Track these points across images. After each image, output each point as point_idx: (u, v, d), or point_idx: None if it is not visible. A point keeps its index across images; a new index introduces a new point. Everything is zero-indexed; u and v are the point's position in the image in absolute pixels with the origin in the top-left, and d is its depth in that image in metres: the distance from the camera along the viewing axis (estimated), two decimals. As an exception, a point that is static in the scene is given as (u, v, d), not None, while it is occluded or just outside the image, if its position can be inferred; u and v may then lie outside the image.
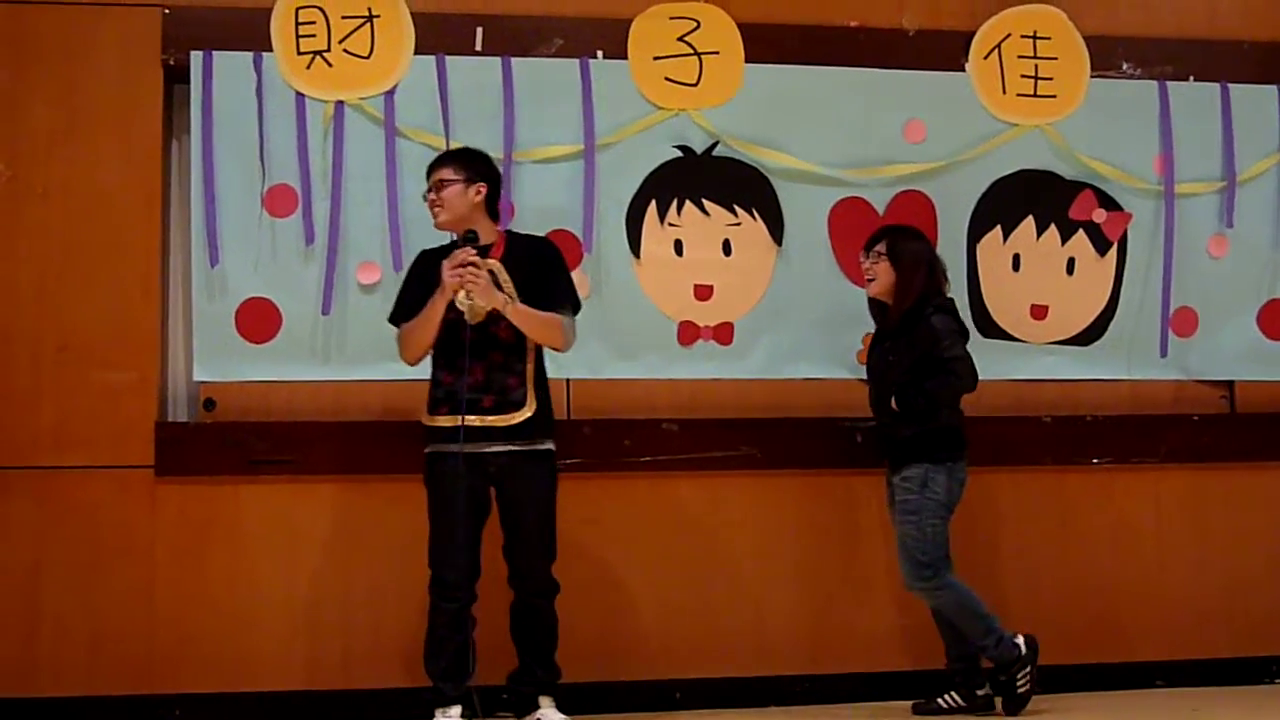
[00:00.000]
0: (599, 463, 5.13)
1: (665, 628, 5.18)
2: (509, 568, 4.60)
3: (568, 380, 5.23)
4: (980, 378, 5.19)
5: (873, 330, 5.10)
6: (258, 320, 5.08)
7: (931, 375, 4.80)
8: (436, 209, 4.60)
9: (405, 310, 4.58)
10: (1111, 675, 5.40)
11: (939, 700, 4.90)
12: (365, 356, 5.12)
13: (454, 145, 4.96)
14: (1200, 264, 5.61)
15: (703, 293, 5.31)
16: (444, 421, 4.47)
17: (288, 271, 5.10)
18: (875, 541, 5.30)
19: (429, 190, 4.62)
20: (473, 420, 4.41)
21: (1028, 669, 4.83)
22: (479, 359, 4.47)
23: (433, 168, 4.65)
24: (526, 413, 4.48)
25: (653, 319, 5.28)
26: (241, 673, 4.99)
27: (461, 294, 4.38)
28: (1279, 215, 5.67)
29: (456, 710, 4.53)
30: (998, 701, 4.88)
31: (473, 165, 4.62)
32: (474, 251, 4.42)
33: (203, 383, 5.12)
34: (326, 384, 5.14)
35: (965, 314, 5.39)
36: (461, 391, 4.42)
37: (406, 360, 4.61)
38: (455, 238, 4.61)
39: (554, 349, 4.61)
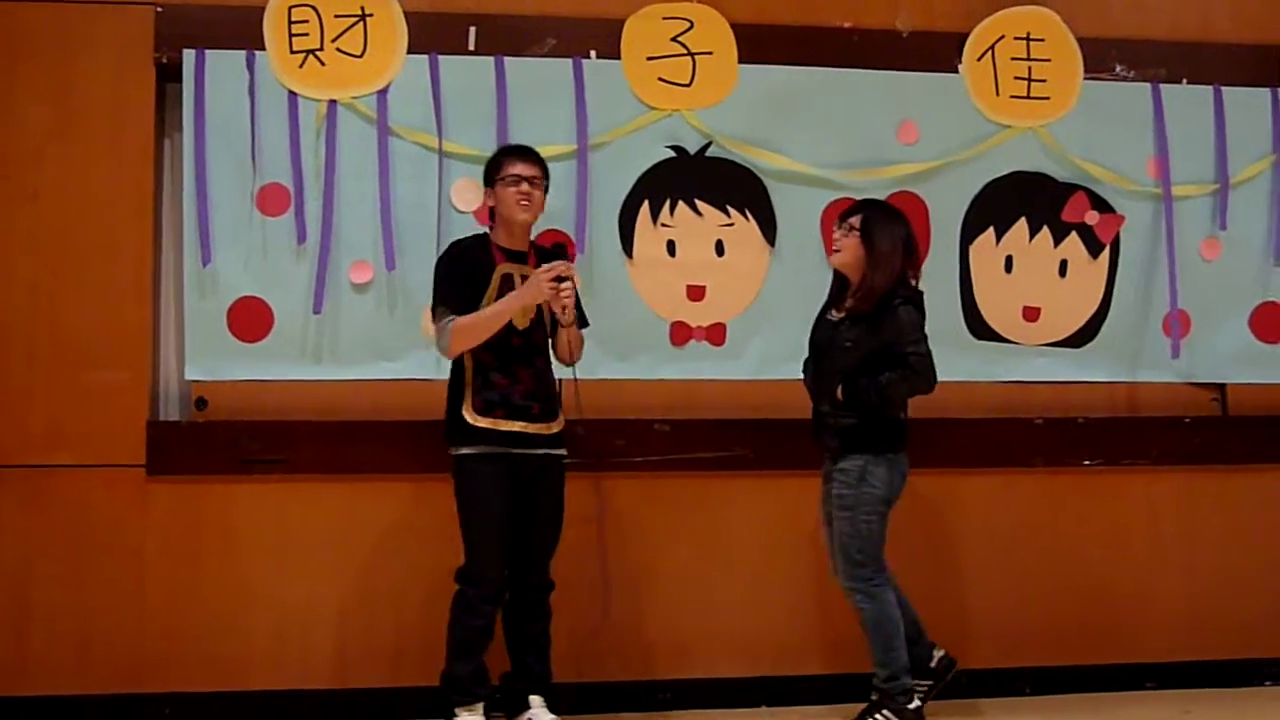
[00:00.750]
0: (592, 463, 5.12)
1: (657, 628, 5.18)
2: (516, 565, 4.63)
3: (559, 380, 5.22)
4: (972, 379, 5.22)
5: None
6: (250, 319, 5.07)
7: (886, 368, 4.64)
8: (524, 204, 4.61)
9: (464, 304, 4.52)
10: (1103, 677, 5.40)
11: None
12: (357, 356, 5.13)
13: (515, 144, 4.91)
14: (1193, 266, 5.61)
15: (695, 293, 5.31)
16: (505, 425, 4.53)
17: (280, 270, 5.09)
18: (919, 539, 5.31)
19: (520, 182, 4.61)
20: (526, 426, 4.56)
21: (913, 697, 4.69)
22: (528, 365, 4.61)
23: (524, 159, 4.66)
24: (562, 421, 4.67)
25: (645, 319, 5.28)
26: (232, 672, 4.99)
27: (558, 307, 4.49)
28: (1272, 218, 5.68)
29: (481, 708, 4.56)
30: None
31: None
32: (571, 266, 4.49)
33: (194, 382, 5.11)
34: (318, 383, 5.13)
35: (958, 315, 5.42)
36: (514, 397, 4.56)
37: (449, 352, 4.57)
38: (480, 232, 4.75)
39: (572, 363, 4.68)
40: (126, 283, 5.05)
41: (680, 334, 5.30)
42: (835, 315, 4.82)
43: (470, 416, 4.54)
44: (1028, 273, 5.54)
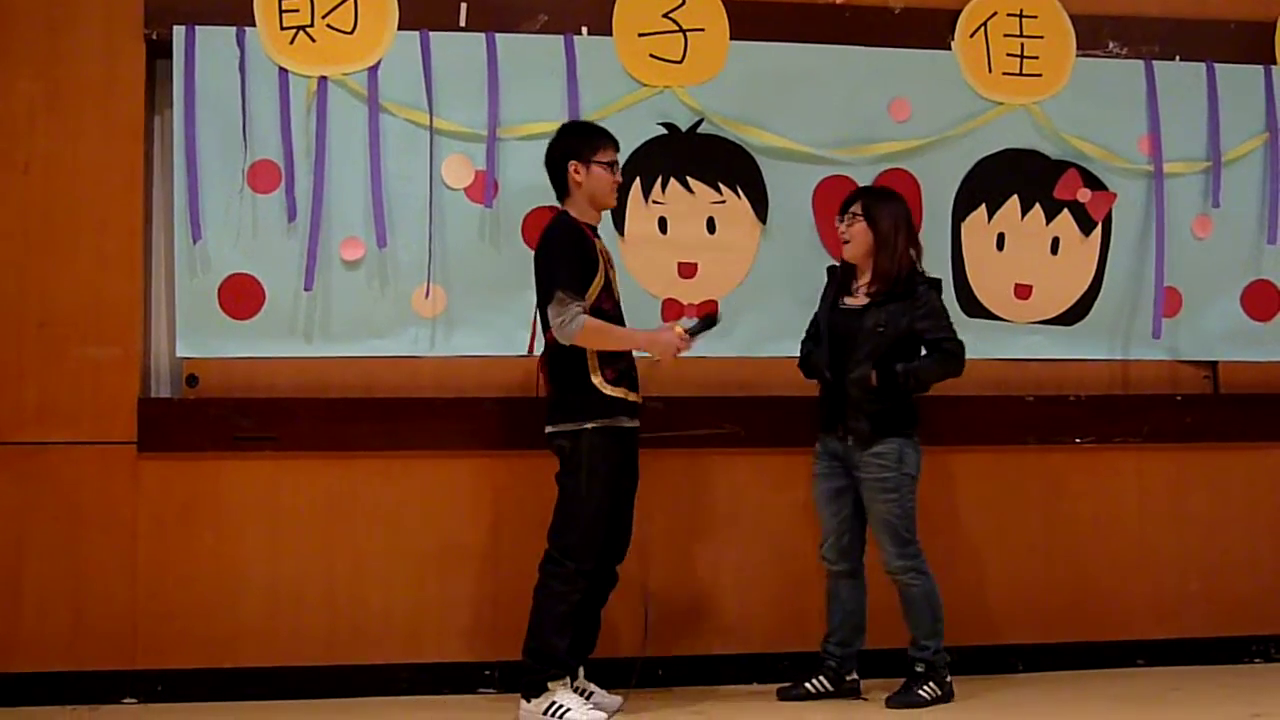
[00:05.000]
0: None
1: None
2: (613, 539, 4.66)
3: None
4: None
5: None
6: (240, 296, 5.06)
7: (913, 353, 4.76)
8: (615, 191, 4.73)
9: (583, 289, 4.53)
10: (1093, 653, 5.42)
11: (806, 685, 4.87)
12: (349, 333, 5.13)
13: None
14: (1185, 244, 5.61)
15: (687, 271, 5.31)
16: (632, 396, 4.62)
17: (270, 247, 5.08)
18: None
19: (615, 169, 4.70)
20: (638, 399, 4.66)
21: (942, 684, 4.79)
22: None
23: (616, 146, 4.74)
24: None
25: (637, 297, 5.25)
26: (224, 648, 5.00)
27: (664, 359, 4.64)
28: (1263, 196, 5.67)
29: (568, 681, 4.55)
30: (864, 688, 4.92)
31: None
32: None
33: (185, 359, 5.11)
34: (309, 360, 5.13)
35: (950, 293, 5.41)
36: (632, 370, 4.66)
37: (570, 342, 4.51)
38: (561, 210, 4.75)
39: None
40: (117, 259, 5.04)
41: (672, 311, 5.30)
42: (853, 303, 4.85)
43: (603, 386, 4.54)
44: (1020, 250, 5.53)
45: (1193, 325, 5.60)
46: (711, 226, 5.35)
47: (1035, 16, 5.55)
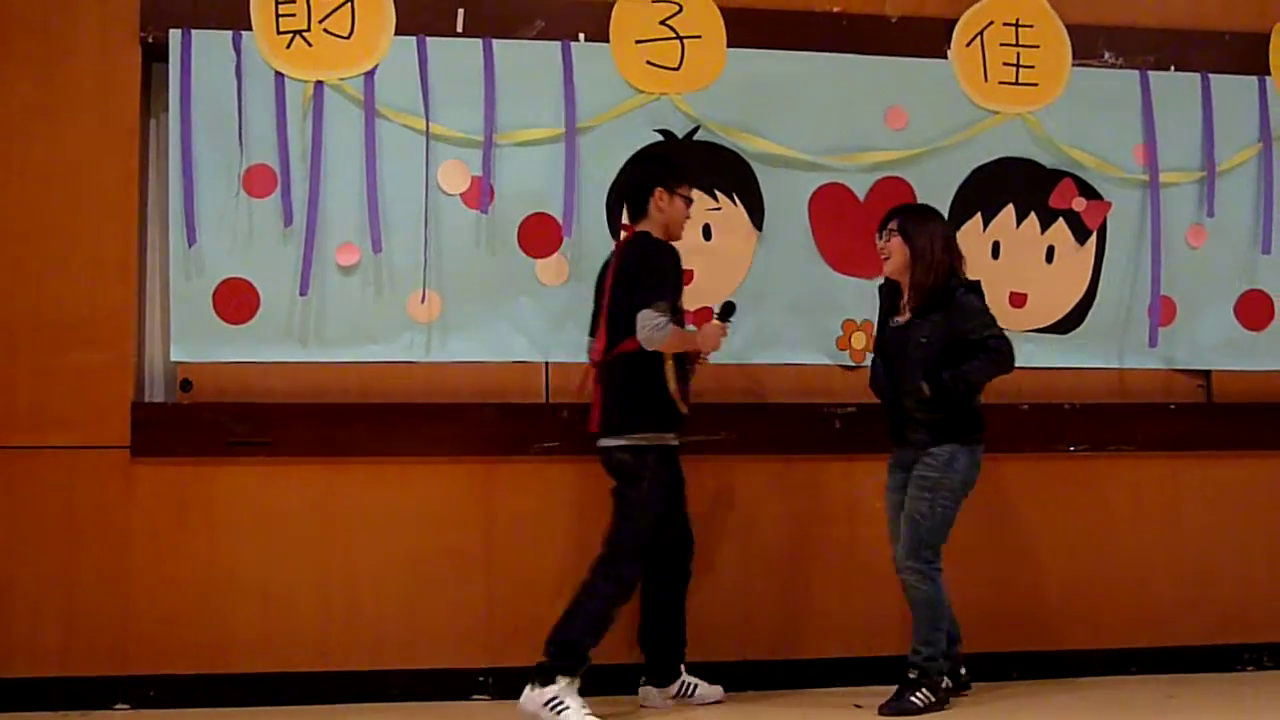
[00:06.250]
0: (576, 446, 5.11)
1: (630, 612, 5.11)
2: (681, 540, 4.88)
3: (546, 364, 5.23)
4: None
5: (859, 317, 5.19)
6: (235, 301, 5.06)
7: (962, 357, 4.75)
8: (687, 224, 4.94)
9: (675, 306, 4.72)
10: (1088, 661, 5.42)
11: (911, 699, 4.78)
12: (344, 338, 5.12)
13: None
14: (1179, 253, 5.63)
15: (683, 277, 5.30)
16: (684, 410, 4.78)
17: (266, 252, 5.08)
18: (851, 527, 5.33)
19: (690, 205, 4.91)
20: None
21: (936, 691, 4.78)
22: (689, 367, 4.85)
23: (691, 182, 4.93)
24: None
25: (632, 304, 5.27)
26: (217, 654, 4.98)
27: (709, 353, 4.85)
28: (1257, 206, 5.70)
29: (577, 681, 4.60)
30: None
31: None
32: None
33: (179, 363, 5.09)
34: (304, 365, 5.12)
35: (945, 301, 5.43)
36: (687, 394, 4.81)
37: (655, 347, 4.64)
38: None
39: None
40: (111, 263, 5.03)
41: (667, 319, 5.30)
42: (899, 320, 4.90)
43: (681, 405, 4.72)
44: (1015, 259, 5.55)
45: (1187, 334, 5.62)
46: (708, 233, 5.35)
47: (1031, 26, 5.57)
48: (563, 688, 4.51)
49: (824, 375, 5.38)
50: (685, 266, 5.24)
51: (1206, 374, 5.69)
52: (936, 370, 4.75)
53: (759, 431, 5.27)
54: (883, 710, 4.73)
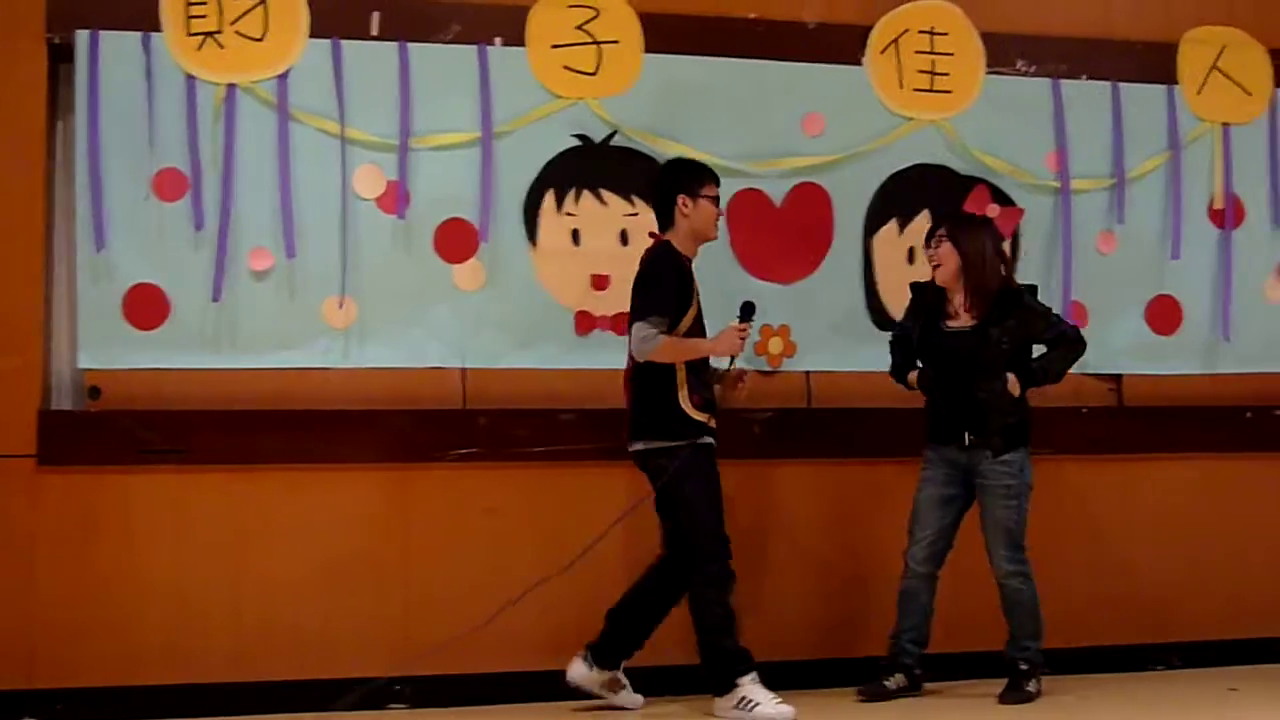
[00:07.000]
0: (494, 453, 5.11)
1: (547, 618, 5.06)
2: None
3: (463, 370, 5.20)
4: (874, 369, 5.30)
5: (776, 322, 5.31)
6: (145, 306, 4.98)
7: (1025, 359, 4.98)
8: (719, 225, 4.92)
9: (673, 314, 4.71)
10: (994, 663, 5.45)
11: (886, 683, 4.99)
12: (257, 344, 5.06)
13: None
14: (1090, 259, 5.72)
15: (600, 282, 5.30)
16: (713, 423, 4.79)
17: (177, 257, 5.00)
18: (786, 531, 5.39)
19: (719, 204, 4.88)
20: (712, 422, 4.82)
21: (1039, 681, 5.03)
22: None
23: (714, 180, 4.87)
24: None
25: (549, 309, 5.26)
26: (127, 666, 4.89)
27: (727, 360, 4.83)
28: (1165, 212, 5.80)
29: (755, 675, 4.68)
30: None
31: None
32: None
33: (88, 370, 5.00)
34: (217, 372, 5.05)
35: (860, 306, 5.52)
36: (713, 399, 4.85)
37: (645, 359, 4.69)
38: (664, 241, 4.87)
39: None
40: (17, 267, 4.93)
41: (584, 323, 5.29)
42: (958, 324, 5.01)
43: (691, 411, 4.71)
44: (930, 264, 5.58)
45: (1098, 339, 5.65)
46: (625, 238, 5.34)
47: (946, 34, 5.63)
48: (745, 687, 4.63)
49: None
50: (601, 272, 5.28)
51: (1118, 378, 5.77)
52: (1015, 368, 4.95)
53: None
54: (1003, 699, 4.95)
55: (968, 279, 4.97)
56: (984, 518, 5.01)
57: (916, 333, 5.10)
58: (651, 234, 4.97)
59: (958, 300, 5.02)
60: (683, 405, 4.71)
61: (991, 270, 4.97)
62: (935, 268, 5.03)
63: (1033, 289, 5.17)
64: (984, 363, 4.93)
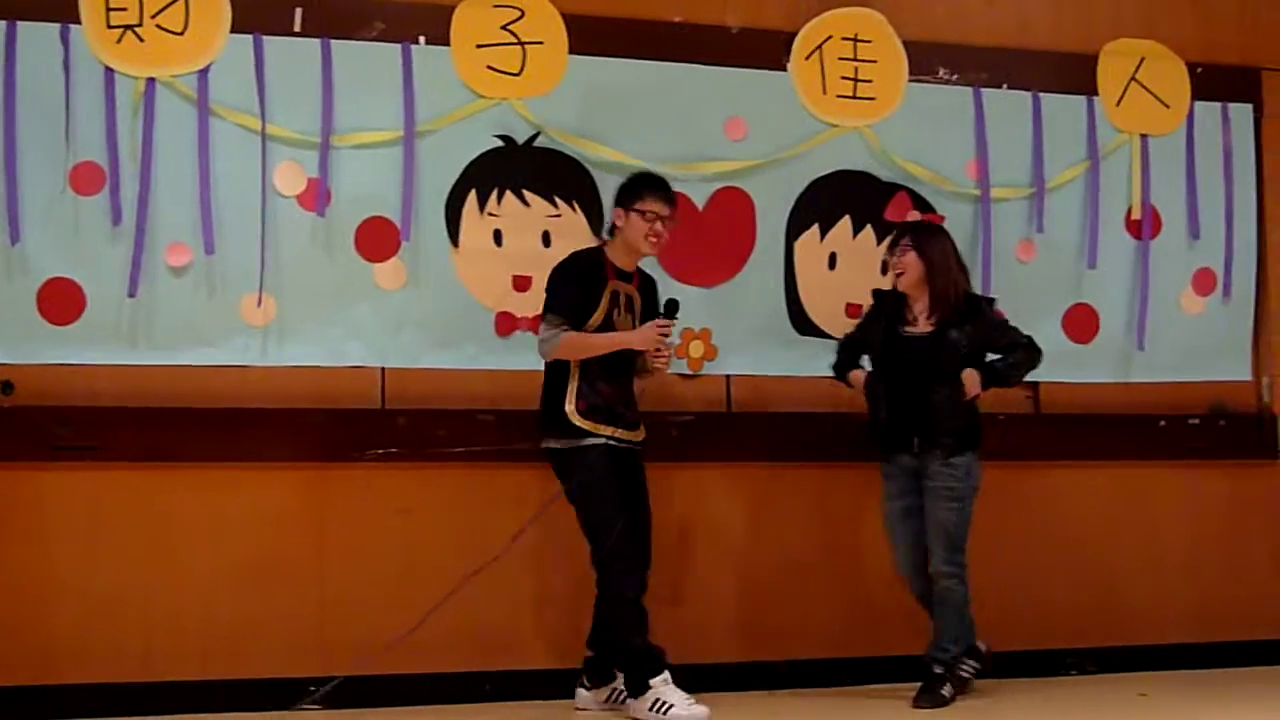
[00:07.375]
0: (413, 453, 5.09)
1: (463, 619, 5.05)
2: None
3: (383, 369, 5.18)
4: (794, 373, 5.35)
5: (698, 325, 5.34)
6: (60, 301, 4.92)
7: (981, 362, 5.07)
8: (653, 241, 4.84)
9: (573, 314, 4.75)
10: (915, 667, 5.50)
11: (942, 691, 5.01)
12: (174, 340, 5.01)
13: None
14: (1009, 267, 5.78)
15: (521, 283, 5.29)
16: (604, 430, 4.76)
17: (93, 251, 4.95)
18: (706, 533, 5.42)
19: (656, 220, 4.81)
20: (616, 431, 4.79)
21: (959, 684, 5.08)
22: (627, 375, 4.89)
23: (663, 198, 4.84)
24: (643, 431, 4.92)
25: (470, 309, 5.25)
26: (36, 665, 4.83)
27: (659, 360, 4.83)
28: (1084, 222, 5.87)
29: (668, 676, 4.66)
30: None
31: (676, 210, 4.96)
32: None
33: (1, 365, 4.92)
34: (133, 368, 4.99)
35: (781, 311, 5.54)
36: (615, 405, 4.82)
37: (550, 358, 4.77)
38: (594, 246, 4.97)
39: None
40: (-71, 261, 4.87)
41: (505, 324, 5.28)
42: (917, 330, 5.08)
43: (574, 418, 4.73)
44: (851, 270, 5.62)
45: (1016, 346, 5.74)
46: (547, 240, 5.34)
47: (869, 41, 5.67)
48: (658, 689, 4.60)
49: (663, 383, 5.39)
50: (523, 273, 5.28)
51: (1035, 385, 5.81)
52: (987, 369, 5.05)
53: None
54: (917, 703, 4.96)
55: (932, 285, 5.04)
56: (928, 518, 5.07)
57: (876, 337, 5.15)
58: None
59: (918, 307, 5.09)
60: (565, 408, 4.74)
61: (954, 277, 5.07)
62: (898, 275, 5.10)
63: (990, 300, 5.26)
64: (940, 366, 5.00)
